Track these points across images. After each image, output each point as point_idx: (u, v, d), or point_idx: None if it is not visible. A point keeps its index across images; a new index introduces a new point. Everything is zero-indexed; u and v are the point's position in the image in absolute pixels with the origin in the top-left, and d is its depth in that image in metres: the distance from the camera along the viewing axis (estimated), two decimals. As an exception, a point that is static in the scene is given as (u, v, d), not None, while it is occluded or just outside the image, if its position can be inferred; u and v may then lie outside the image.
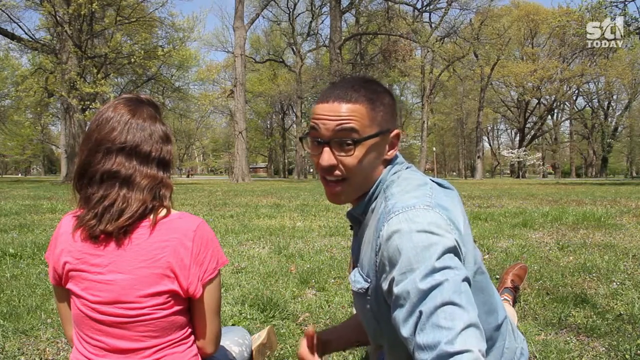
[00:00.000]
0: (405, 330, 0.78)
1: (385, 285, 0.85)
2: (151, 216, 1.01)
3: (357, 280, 1.00)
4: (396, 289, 0.80)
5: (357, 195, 1.02)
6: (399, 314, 0.79)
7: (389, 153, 1.01)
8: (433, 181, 1.00)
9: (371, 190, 1.01)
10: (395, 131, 1.02)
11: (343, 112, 0.95)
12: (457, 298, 0.75)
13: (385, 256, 0.85)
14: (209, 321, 1.08)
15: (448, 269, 0.78)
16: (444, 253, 0.80)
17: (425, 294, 0.76)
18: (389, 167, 1.02)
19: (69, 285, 1.04)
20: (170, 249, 1.00)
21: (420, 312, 0.75)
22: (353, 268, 1.09)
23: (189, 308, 1.08)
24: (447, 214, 0.89)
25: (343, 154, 0.96)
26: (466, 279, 0.79)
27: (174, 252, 1.00)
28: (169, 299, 1.01)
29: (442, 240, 0.81)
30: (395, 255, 0.82)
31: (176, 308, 1.03)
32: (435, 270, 0.77)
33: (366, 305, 1.00)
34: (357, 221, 1.07)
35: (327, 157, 0.96)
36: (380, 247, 0.88)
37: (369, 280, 0.96)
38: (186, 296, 1.03)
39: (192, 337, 1.10)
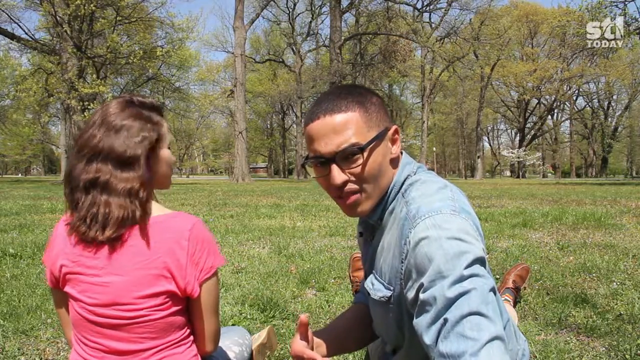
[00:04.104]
0: (427, 337, 0.76)
1: (411, 293, 0.83)
2: (140, 217, 1.00)
3: (378, 288, 0.98)
4: (423, 295, 0.78)
5: (375, 203, 0.98)
6: (423, 320, 0.78)
7: (393, 151, 0.98)
8: None
9: (385, 195, 0.98)
10: (393, 127, 0.99)
11: (338, 123, 0.91)
12: (484, 308, 0.73)
13: (413, 263, 0.83)
14: (207, 320, 1.08)
15: (476, 277, 0.76)
16: (473, 262, 0.78)
17: (451, 302, 0.74)
18: (400, 167, 1.00)
19: (67, 289, 1.04)
20: (166, 249, 0.99)
21: (445, 320, 0.74)
22: (366, 275, 1.07)
23: (188, 308, 1.08)
24: (472, 220, 0.87)
25: (351, 165, 0.92)
26: (493, 289, 0.78)
27: (170, 252, 0.99)
28: (167, 299, 1.01)
29: (472, 248, 0.79)
30: (424, 263, 0.80)
31: (174, 309, 1.03)
32: (463, 278, 0.76)
33: (388, 313, 0.98)
34: (371, 228, 1.05)
35: (337, 174, 0.93)
36: (407, 254, 0.85)
37: (392, 288, 0.94)
38: (184, 296, 1.03)
39: (192, 337, 1.10)
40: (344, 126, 0.91)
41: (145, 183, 1.02)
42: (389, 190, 0.98)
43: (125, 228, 0.99)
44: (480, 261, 0.79)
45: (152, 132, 1.05)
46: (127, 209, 0.99)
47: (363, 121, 0.93)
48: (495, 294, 0.79)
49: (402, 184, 0.98)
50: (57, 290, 1.08)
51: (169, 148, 1.13)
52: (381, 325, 1.06)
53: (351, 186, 0.94)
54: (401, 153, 1.02)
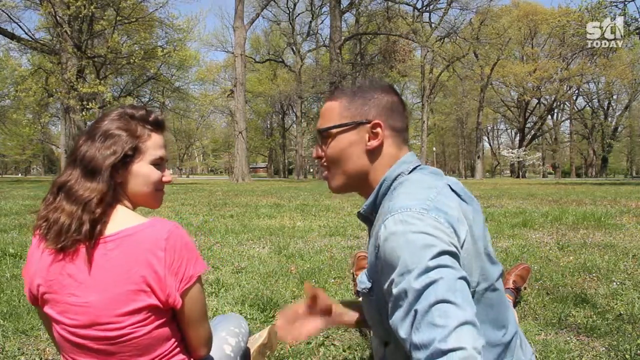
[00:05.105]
0: (402, 331, 0.77)
1: (387, 288, 0.85)
2: (87, 232, 0.96)
3: (362, 280, 1.00)
4: (394, 290, 0.80)
5: (343, 184, 1.08)
6: (397, 315, 0.79)
7: (369, 143, 1.03)
8: (453, 189, 0.97)
9: (376, 189, 1.03)
10: (373, 122, 1.03)
11: (326, 108, 1.08)
12: (452, 296, 0.74)
13: (383, 258, 0.85)
14: (195, 328, 1.05)
15: (443, 267, 0.77)
16: (440, 254, 0.79)
17: (419, 293, 0.75)
18: (396, 164, 1.03)
19: (46, 309, 1.01)
20: (142, 262, 0.95)
21: (416, 311, 0.75)
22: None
23: (174, 316, 1.04)
24: (447, 218, 0.87)
25: (323, 145, 1.08)
26: (463, 278, 0.78)
27: (147, 264, 0.95)
28: (149, 314, 0.97)
29: (438, 242, 0.80)
30: (392, 257, 0.82)
31: (158, 322, 0.99)
32: (429, 269, 0.77)
33: (371, 304, 1.00)
34: (369, 221, 1.08)
35: (315, 149, 1.12)
36: (379, 248, 0.87)
37: (371, 280, 0.97)
38: (166, 307, 0.99)
39: (180, 348, 1.06)
40: (327, 111, 1.08)
41: (105, 197, 0.98)
42: (380, 185, 1.03)
43: (81, 240, 0.95)
44: (448, 254, 0.80)
45: (125, 144, 1.02)
46: (75, 219, 0.96)
47: (339, 110, 1.05)
48: (468, 284, 0.79)
49: (394, 180, 1.01)
50: (39, 308, 1.06)
51: (157, 165, 1.08)
52: (368, 318, 1.08)
53: (323, 162, 1.09)
54: (408, 150, 1.08)
